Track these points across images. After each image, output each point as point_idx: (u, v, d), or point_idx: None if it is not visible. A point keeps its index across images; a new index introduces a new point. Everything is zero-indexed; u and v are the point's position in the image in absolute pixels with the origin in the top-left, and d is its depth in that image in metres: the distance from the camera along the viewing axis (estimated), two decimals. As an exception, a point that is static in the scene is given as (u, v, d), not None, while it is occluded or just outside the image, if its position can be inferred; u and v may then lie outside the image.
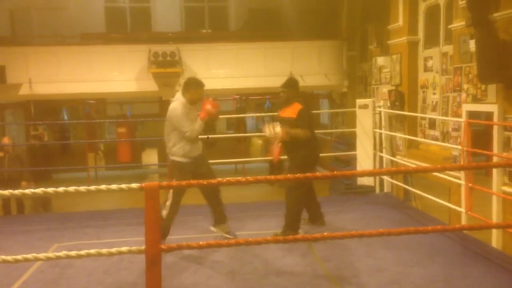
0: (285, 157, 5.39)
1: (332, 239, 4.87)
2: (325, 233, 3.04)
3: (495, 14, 5.96)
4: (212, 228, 5.36)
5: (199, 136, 5.08)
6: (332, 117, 15.69)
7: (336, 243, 4.91)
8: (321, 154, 5.55)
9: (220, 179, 2.83)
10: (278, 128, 4.97)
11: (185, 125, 4.89)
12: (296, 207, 5.23)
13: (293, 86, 5.35)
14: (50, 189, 2.68)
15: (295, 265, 4.46)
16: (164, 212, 4.92)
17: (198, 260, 4.61)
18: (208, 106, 4.95)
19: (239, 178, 2.78)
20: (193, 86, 5.01)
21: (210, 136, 5.12)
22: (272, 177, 2.76)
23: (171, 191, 4.93)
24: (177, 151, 4.98)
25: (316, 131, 5.40)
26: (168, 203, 4.94)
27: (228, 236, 5.24)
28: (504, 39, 5.87)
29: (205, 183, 3.08)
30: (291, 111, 5.21)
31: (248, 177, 2.73)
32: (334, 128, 14.60)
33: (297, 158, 5.23)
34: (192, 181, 3.04)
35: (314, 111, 7.17)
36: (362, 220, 5.80)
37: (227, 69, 13.13)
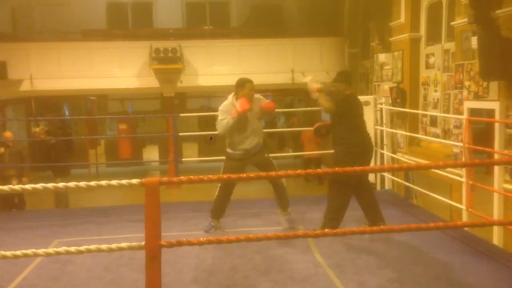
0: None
1: (334, 236, 4.86)
2: (326, 230, 3.02)
3: (498, 11, 5.94)
4: (278, 211, 5.57)
5: (257, 131, 5.30)
6: (333, 114, 15.60)
7: (337, 240, 4.90)
8: (324, 151, 5.56)
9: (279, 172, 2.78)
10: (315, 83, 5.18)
11: (218, 119, 5.17)
12: (336, 204, 5.07)
13: (343, 80, 5.44)
14: (50, 185, 2.67)
15: (296, 262, 4.45)
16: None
17: (199, 257, 4.61)
18: (237, 105, 5.07)
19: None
20: (237, 86, 5.21)
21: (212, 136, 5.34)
22: (274, 173, 2.75)
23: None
24: (228, 143, 5.31)
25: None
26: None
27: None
28: (506, 36, 5.86)
29: (210, 177, 3.04)
30: None
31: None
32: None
33: (341, 151, 5.14)
34: (191, 177, 3.00)
35: (316, 108, 7.14)
36: (364, 217, 5.78)
37: (229, 65, 13.06)
